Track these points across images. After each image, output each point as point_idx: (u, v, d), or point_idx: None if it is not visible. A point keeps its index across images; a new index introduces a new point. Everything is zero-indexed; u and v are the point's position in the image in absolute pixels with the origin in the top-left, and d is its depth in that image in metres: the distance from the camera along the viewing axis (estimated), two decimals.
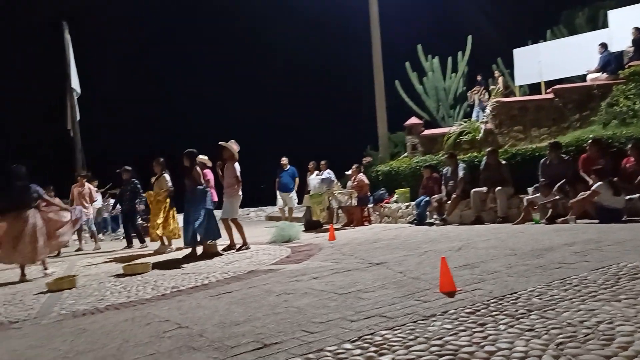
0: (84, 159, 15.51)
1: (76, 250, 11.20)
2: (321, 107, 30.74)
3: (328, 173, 11.99)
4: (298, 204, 13.54)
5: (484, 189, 9.00)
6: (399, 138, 16.80)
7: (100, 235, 13.67)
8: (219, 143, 8.02)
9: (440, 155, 11.54)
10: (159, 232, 8.87)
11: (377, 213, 11.69)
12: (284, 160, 13.00)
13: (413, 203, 10.36)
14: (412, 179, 11.38)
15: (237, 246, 7.90)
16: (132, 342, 3.14)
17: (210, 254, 7.48)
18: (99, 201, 13.53)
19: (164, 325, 3.49)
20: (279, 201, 13.23)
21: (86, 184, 11.72)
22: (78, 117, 15.70)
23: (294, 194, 12.98)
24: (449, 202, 9.47)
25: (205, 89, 30.43)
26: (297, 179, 13.01)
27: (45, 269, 7.02)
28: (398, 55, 16.51)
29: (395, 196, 11.35)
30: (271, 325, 3.17)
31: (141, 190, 10.55)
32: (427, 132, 13.77)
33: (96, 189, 12.94)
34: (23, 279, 6.72)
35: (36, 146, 23.06)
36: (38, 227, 6.81)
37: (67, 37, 15.58)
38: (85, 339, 3.36)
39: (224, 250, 7.81)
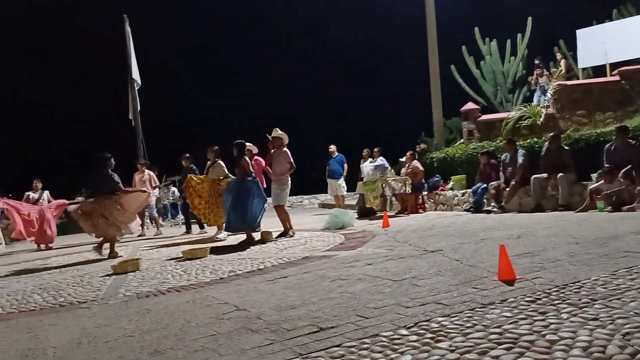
0: (144, 148, 16.07)
1: (139, 236, 11.68)
2: (374, 94, 30.44)
3: (381, 160, 11.91)
4: (350, 191, 13.54)
5: (545, 175, 8.69)
6: (454, 124, 16.46)
7: (161, 221, 14.18)
8: (267, 135, 8.16)
9: (498, 141, 11.21)
10: (216, 218, 9.08)
11: (432, 200, 11.52)
12: (332, 147, 13.01)
13: (469, 190, 10.14)
14: (468, 165, 11.14)
15: (289, 232, 8.01)
16: (193, 323, 3.26)
17: (266, 241, 7.60)
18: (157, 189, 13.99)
19: (223, 308, 3.59)
20: (330, 189, 13.30)
21: (146, 171, 12.15)
22: (139, 108, 16.27)
23: (342, 181, 12.98)
24: (507, 189, 9.21)
25: (262, 77, 30.63)
26: (345, 166, 13.01)
27: (111, 250, 7.59)
28: (454, 38, 16.09)
29: (451, 183, 11.15)
30: (326, 310, 3.21)
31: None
32: (484, 117, 13.41)
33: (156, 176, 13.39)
34: (113, 255, 7.54)
35: (100, 136, 24.08)
36: (118, 208, 7.52)
37: (128, 29, 16.11)
38: (149, 319, 3.52)
39: (278, 236, 7.93)
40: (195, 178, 9.08)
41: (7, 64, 25.83)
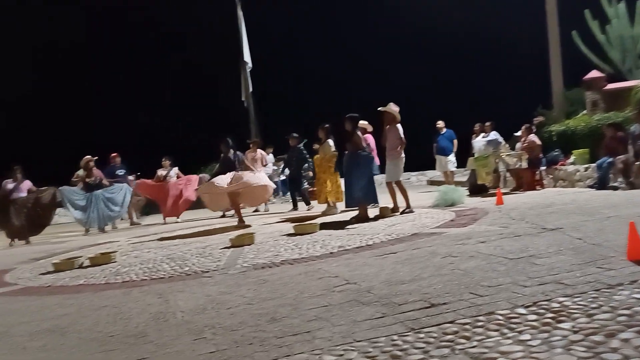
0: (257, 128, 16.74)
1: (254, 211, 12.28)
2: (485, 64, 28.95)
3: (494, 134, 11.38)
4: (461, 167, 13.13)
5: None
6: (575, 95, 15.19)
7: (272, 198, 14.75)
8: (379, 109, 8.06)
9: (626, 111, 10.22)
10: (325, 195, 9.28)
11: (551, 176, 10.82)
12: (440, 123, 12.63)
13: (593, 165, 9.38)
14: (590, 139, 10.28)
15: (401, 209, 7.93)
16: (306, 294, 3.38)
17: (383, 216, 7.60)
18: (269, 166, 14.51)
19: (333, 281, 3.69)
20: (438, 166, 12.97)
21: (258, 150, 12.64)
22: (251, 89, 16.93)
23: (452, 157, 12.59)
24: (637, 163, 8.39)
25: (366, 53, 30.28)
26: (455, 142, 12.59)
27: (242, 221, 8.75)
28: (575, 2, 14.79)
29: (572, 158, 10.38)
30: (438, 286, 3.17)
31: (307, 156, 11.10)
32: (610, 86, 12.26)
33: (268, 155, 13.91)
34: (241, 225, 8.53)
35: (214, 117, 25.40)
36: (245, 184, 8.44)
37: (240, 12, 16.74)
38: (266, 288, 3.71)
39: (402, 212, 7.88)
40: (318, 158, 9.46)
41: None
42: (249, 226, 8.36)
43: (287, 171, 12.59)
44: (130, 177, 12.64)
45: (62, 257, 6.47)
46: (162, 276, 4.80)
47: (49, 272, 5.86)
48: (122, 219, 12.64)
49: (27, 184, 10.78)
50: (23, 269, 6.43)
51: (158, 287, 4.27)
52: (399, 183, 8.04)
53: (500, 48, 27.33)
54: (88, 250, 7.60)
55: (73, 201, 11.03)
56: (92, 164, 11.40)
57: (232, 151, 8.85)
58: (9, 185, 10.71)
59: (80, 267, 5.98)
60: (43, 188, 11.00)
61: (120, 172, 12.26)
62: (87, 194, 11.13)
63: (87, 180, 11.31)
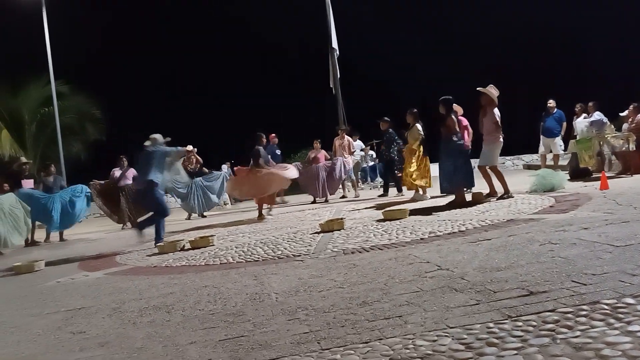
0: (344, 114, 16.80)
1: (341, 197, 12.39)
2: (589, 40, 26.89)
3: (598, 115, 10.58)
4: (563, 150, 12.38)
5: None
6: None
7: (360, 184, 14.79)
8: (477, 89, 7.77)
9: None
10: (414, 180, 9.15)
11: None
12: (551, 102, 11.93)
13: None
14: None
15: (498, 194, 7.65)
16: (397, 279, 3.38)
17: (477, 202, 7.38)
18: (357, 153, 14.54)
19: (424, 266, 3.65)
20: (541, 147, 12.29)
21: (345, 136, 12.70)
22: (338, 75, 16.99)
23: (559, 140, 11.90)
24: None
25: (461, 32, 29.14)
26: (564, 124, 11.88)
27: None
28: None
29: None
30: (536, 274, 3.03)
31: (398, 140, 10.99)
32: None
33: (355, 142, 13.93)
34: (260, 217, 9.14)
35: (303, 104, 25.78)
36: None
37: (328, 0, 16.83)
38: (356, 272, 3.74)
39: (498, 198, 7.62)
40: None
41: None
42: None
43: (375, 157, 12.55)
44: (224, 166, 13.21)
45: (165, 241, 6.91)
46: (257, 259, 4.99)
47: (154, 254, 6.30)
48: (225, 204, 13.29)
49: (132, 172, 11.61)
50: (132, 251, 6.96)
51: (253, 270, 4.45)
52: (494, 168, 7.74)
53: (606, 23, 25.32)
54: (188, 235, 8.07)
55: (176, 189, 11.72)
56: (191, 153, 12.07)
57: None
58: (116, 172, 11.62)
59: (182, 249, 6.38)
60: None
61: (278, 151, 12.90)
62: (188, 181, 11.81)
63: (188, 167, 11.99)
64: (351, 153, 12.72)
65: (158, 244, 6.65)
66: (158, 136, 7.29)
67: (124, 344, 2.78)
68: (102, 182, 11.64)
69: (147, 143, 7.23)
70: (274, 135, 12.85)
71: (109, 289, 4.48)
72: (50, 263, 6.66)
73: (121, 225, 11.51)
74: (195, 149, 12.18)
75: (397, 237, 5.15)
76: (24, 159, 12.11)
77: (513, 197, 7.44)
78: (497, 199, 7.47)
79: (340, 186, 12.70)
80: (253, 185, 9.20)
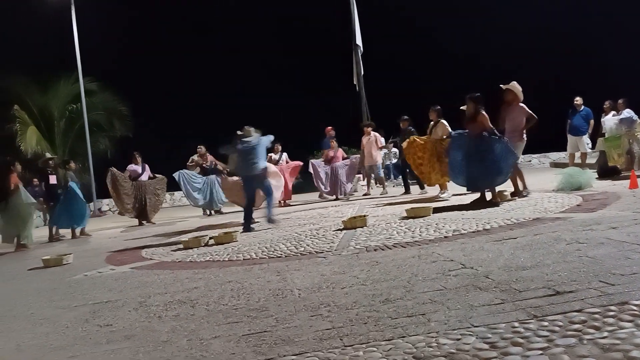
0: (368, 111, 16.75)
1: (364, 194, 12.36)
2: (616, 34, 26.23)
3: (628, 112, 10.34)
4: (591, 148, 12.15)
5: None
6: None
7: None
8: (500, 85, 7.67)
9: None
10: (438, 178, 9.05)
11: None
12: (578, 100, 11.70)
13: None
14: None
15: (523, 193, 7.54)
16: (420, 277, 3.36)
17: (499, 202, 7.27)
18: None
19: (448, 264, 3.62)
20: (569, 146, 12.08)
21: (372, 132, 12.63)
22: (362, 72, 16.94)
23: (586, 138, 11.66)
24: None
25: (488, 30, 28.69)
26: (591, 122, 11.64)
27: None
28: None
29: None
30: (563, 274, 2.98)
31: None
32: None
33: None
34: None
35: (327, 102, 25.75)
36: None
37: None
38: (378, 270, 3.74)
39: (512, 195, 7.53)
40: (418, 139, 9.14)
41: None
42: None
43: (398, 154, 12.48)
44: None
45: (189, 236, 7.00)
46: (279, 255, 5.02)
47: (179, 249, 6.38)
48: None
49: (147, 168, 12.00)
50: (156, 246, 7.07)
51: (276, 265, 4.47)
52: (515, 165, 7.61)
53: (637, 20, 24.68)
54: (210, 231, 8.15)
55: (192, 183, 11.90)
56: (203, 150, 12.34)
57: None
58: (134, 167, 11.83)
59: (206, 245, 6.45)
60: (158, 175, 12.22)
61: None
62: (203, 178, 12.01)
63: (203, 165, 12.18)
64: (380, 149, 12.59)
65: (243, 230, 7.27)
66: (252, 128, 7.63)
67: (149, 337, 2.83)
68: (122, 173, 11.80)
69: (242, 134, 7.55)
70: (330, 127, 13.14)
71: (134, 282, 4.56)
72: (77, 257, 6.81)
73: (129, 215, 11.76)
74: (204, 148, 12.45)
75: (420, 235, 5.11)
76: (48, 155, 12.38)
77: (526, 195, 7.34)
78: (512, 195, 7.40)
79: (365, 183, 12.68)
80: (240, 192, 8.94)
